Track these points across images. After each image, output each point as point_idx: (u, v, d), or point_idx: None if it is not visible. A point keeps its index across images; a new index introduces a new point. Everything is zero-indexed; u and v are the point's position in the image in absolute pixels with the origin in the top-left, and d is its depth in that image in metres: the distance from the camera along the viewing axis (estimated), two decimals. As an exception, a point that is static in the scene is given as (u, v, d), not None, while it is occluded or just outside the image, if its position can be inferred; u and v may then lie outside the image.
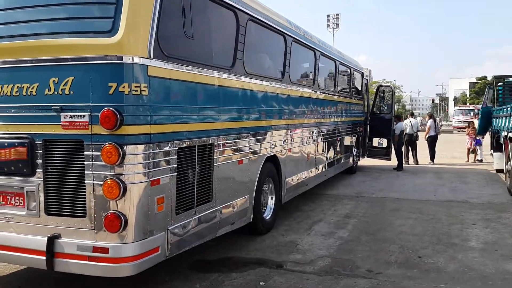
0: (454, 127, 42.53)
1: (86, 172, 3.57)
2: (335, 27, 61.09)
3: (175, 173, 4.01)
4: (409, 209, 7.79)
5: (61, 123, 3.62)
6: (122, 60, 3.48)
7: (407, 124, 14.36)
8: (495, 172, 12.38)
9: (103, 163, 3.51)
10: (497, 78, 13.71)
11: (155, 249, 3.77)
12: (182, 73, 4.12)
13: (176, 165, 4.01)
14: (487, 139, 15.31)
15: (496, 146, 11.98)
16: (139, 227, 3.59)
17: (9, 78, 3.80)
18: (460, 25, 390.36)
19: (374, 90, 14.00)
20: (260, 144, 5.86)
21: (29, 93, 3.71)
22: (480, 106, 16.26)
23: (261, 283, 4.42)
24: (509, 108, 9.41)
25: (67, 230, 3.66)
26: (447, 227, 6.55)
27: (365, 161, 13.72)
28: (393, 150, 13.13)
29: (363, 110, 12.83)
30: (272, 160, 6.30)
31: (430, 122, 15.43)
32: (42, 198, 3.74)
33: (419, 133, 14.86)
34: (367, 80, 13.56)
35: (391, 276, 4.61)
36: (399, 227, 6.54)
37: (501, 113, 10.70)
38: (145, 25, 3.67)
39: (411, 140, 14.41)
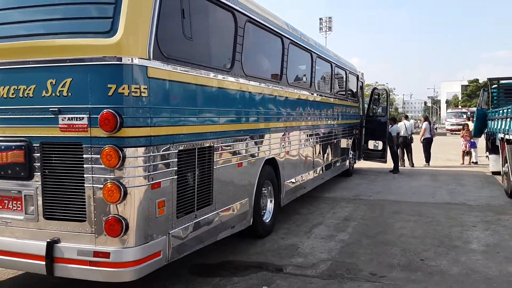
0: (448, 130, 42.70)
1: (85, 175, 3.49)
2: (327, 30, 61.25)
3: (176, 176, 3.94)
4: (408, 211, 7.75)
5: (59, 126, 3.53)
6: (121, 61, 3.41)
7: (401, 127, 14.37)
8: (491, 174, 12.40)
9: (102, 166, 3.43)
10: (492, 81, 13.72)
11: (157, 253, 3.69)
12: (182, 75, 4.05)
13: (176, 168, 3.94)
14: (481, 142, 15.35)
15: (492, 148, 11.96)
16: (140, 231, 3.51)
17: (5, 79, 3.70)
18: (455, 29, 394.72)
19: (367, 93, 13.99)
20: (259, 147, 5.81)
21: (26, 95, 3.62)
22: (473, 108, 16.32)
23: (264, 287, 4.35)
24: (504, 110, 9.41)
25: (67, 235, 3.57)
26: (448, 229, 6.51)
27: (361, 164, 13.70)
28: (388, 152, 13.12)
29: (358, 113, 12.82)
30: (271, 163, 6.24)
31: (425, 124, 15.49)
32: (40, 202, 3.65)
33: (413, 136, 14.87)
34: (362, 82, 13.57)
35: (395, 279, 4.56)
36: (400, 230, 6.50)
37: (496, 115, 10.71)
38: (144, 26, 3.60)
39: (406, 143, 14.49)
